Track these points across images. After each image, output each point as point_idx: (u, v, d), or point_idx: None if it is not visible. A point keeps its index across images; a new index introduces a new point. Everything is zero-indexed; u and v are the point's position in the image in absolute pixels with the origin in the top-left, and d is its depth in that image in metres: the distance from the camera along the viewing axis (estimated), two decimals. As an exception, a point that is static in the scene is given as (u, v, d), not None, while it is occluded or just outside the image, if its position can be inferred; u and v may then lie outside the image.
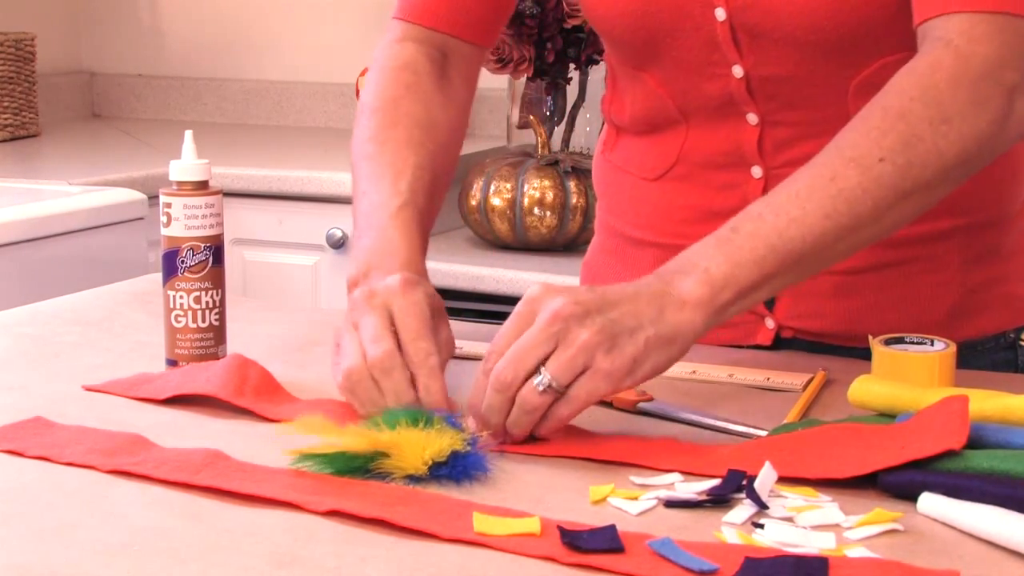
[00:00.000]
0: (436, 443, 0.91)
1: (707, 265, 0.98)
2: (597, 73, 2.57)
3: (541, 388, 0.94)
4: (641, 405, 1.06)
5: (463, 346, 1.24)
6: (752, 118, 1.21)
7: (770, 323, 1.25)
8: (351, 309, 1.06)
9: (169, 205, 1.15)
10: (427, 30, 1.29)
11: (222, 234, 1.16)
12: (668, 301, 0.97)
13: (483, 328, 1.37)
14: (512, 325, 0.97)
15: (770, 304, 1.24)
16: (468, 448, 0.93)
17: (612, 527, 0.82)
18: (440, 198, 1.23)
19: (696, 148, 1.25)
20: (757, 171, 1.22)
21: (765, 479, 0.87)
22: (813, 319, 1.24)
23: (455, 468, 0.91)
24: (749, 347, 1.27)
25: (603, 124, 1.38)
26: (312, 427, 0.96)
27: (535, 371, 0.95)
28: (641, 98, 1.27)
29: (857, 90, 1.17)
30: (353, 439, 0.92)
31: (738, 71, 1.19)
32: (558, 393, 0.95)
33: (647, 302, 0.97)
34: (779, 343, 1.26)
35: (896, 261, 1.22)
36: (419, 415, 0.95)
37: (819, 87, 1.18)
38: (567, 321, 0.94)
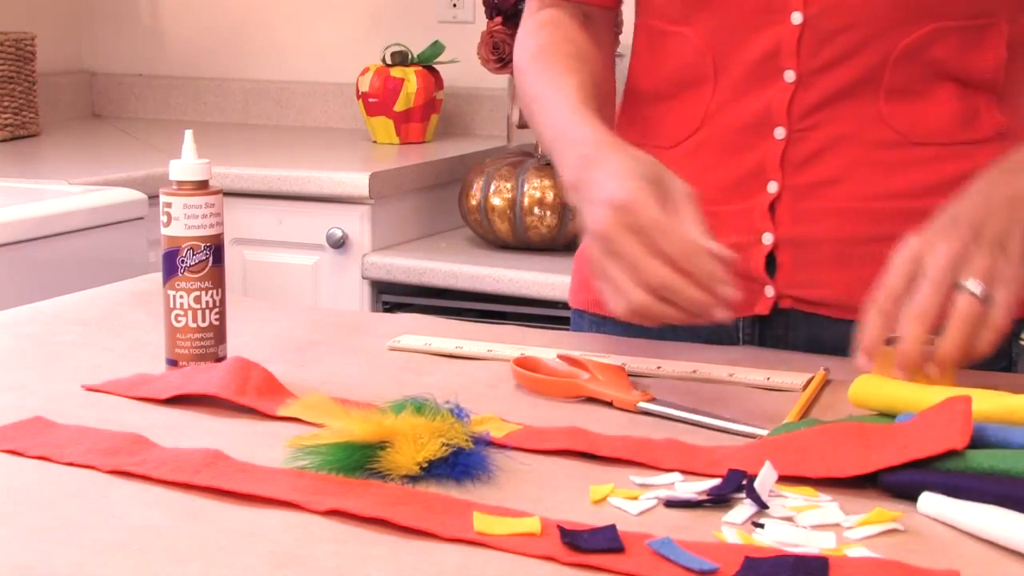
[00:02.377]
0: (431, 444, 0.91)
1: None
2: (597, 73, 2.57)
3: (975, 292, 1.00)
4: (641, 405, 1.06)
5: (463, 346, 1.24)
6: (790, 75, 1.22)
7: (770, 291, 1.25)
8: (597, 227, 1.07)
9: (169, 205, 1.15)
10: (561, 1, 1.35)
11: (222, 234, 1.16)
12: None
13: (483, 328, 1.37)
14: (897, 279, 1.03)
15: (771, 272, 1.25)
16: (469, 445, 0.93)
17: (612, 527, 0.82)
18: (607, 109, 1.28)
19: (723, 108, 1.25)
20: (780, 132, 1.23)
21: (765, 479, 0.87)
22: (813, 288, 1.25)
23: (455, 467, 0.91)
24: (747, 317, 1.27)
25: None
26: (314, 407, 0.97)
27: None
28: (675, 58, 1.28)
29: (901, 54, 1.19)
30: (355, 424, 0.92)
31: (797, 18, 1.20)
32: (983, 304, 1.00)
33: (1008, 209, 1.05)
34: (777, 313, 1.27)
35: (899, 234, 1.22)
36: (425, 406, 0.95)
37: (869, 44, 1.19)
38: (957, 263, 1.01)
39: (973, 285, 1.00)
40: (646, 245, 1.04)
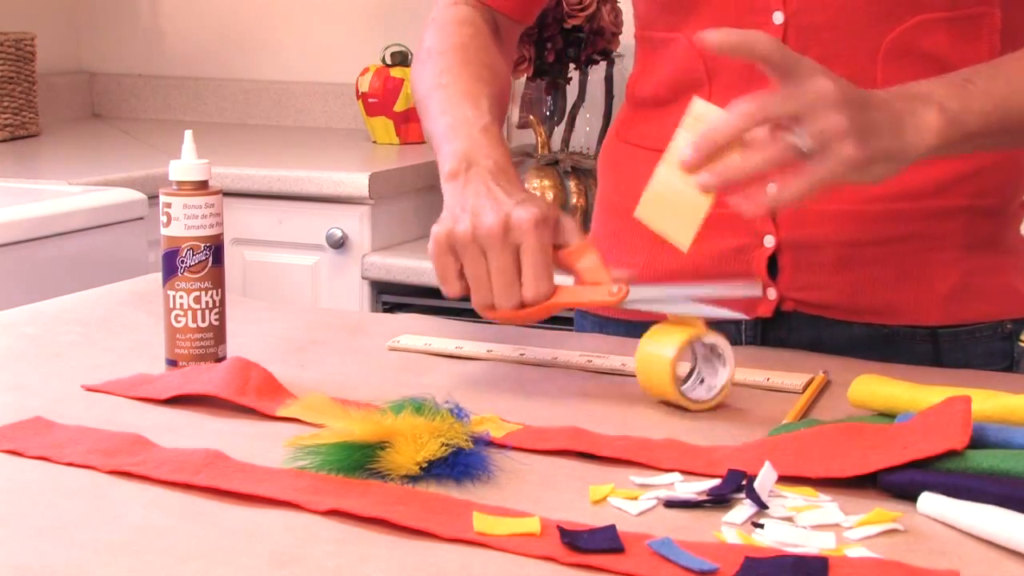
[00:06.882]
0: (431, 444, 0.91)
1: (943, 102, 1.06)
2: (597, 73, 2.57)
3: (795, 146, 1.00)
4: (624, 306, 1.08)
5: (463, 346, 1.24)
6: None
7: (772, 294, 1.26)
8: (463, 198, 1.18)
9: (169, 205, 1.15)
10: (476, 2, 1.36)
11: (222, 234, 1.16)
12: (909, 122, 1.04)
13: (483, 328, 1.37)
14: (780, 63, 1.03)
15: (773, 275, 1.25)
16: (469, 445, 0.93)
17: (612, 527, 0.82)
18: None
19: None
20: None
21: (765, 479, 0.87)
22: (815, 291, 1.25)
23: (455, 467, 0.91)
24: (750, 320, 1.27)
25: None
26: (314, 407, 0.97)
27: (774, 123, 1.01)
28: (670, 63, 1.28)
29: (888, 50, 1.19)
30: (355, 424, 0.93)
31: (778, 17, 1.20)
32: (797, 159, 1.00)
33: (895, 116, 1.04)
34: (780, 315, 1.27)
35: (900, 236, 1.23)
36: (425, 406, 0.95)
37: (854, 41, 1.20)
38: (828, 102, 1.00)
39: (801, 135, 1.00)
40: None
